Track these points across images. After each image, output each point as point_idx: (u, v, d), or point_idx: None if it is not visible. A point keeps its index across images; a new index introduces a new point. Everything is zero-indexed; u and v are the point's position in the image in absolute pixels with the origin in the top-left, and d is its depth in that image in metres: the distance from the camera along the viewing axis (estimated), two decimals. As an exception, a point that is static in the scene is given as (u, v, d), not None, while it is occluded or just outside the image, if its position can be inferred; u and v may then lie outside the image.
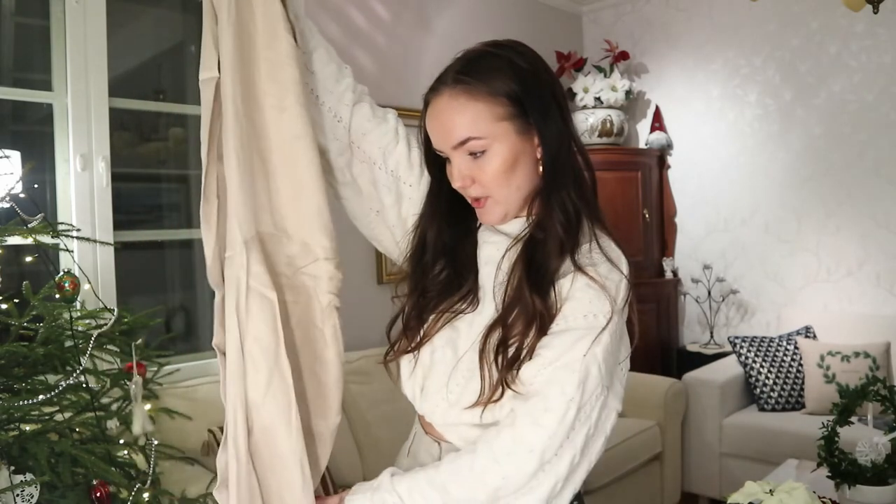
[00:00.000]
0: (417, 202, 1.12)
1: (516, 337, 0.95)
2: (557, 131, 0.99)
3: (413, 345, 1.07)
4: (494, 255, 1.05)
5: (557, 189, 1.00)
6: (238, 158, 0.95)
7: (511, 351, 0.95)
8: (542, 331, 0.95)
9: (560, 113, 1.01)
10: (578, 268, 0.96)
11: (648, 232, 4.07)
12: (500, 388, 0.94)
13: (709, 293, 3.97)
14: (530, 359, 0.94)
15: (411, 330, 1.07)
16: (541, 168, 1.00)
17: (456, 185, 1.01)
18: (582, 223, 1.00)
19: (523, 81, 0.98)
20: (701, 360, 3.78)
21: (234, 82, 0.96)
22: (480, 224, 1.10)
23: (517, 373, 0.94)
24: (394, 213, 1.13)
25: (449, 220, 1.08)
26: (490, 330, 0.97)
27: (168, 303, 2.87)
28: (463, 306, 1.04)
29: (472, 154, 0.98)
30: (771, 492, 1.61)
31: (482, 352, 0.97)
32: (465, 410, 0.99)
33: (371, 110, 1.12)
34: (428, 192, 1.11)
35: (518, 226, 1.05)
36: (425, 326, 1.06)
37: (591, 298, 0.95)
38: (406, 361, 1.08)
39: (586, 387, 0.92)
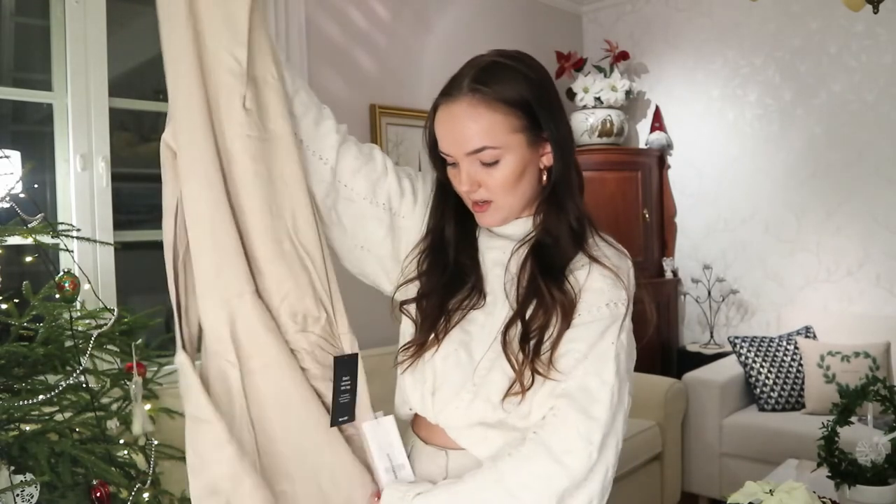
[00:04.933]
0: (412, 230, 1.13)
1: (537, 330, 0.99)
2: (566, 141, 1.05)
3: (430, 342, 1.06)
4: (501, 258, 1.08)
5: (567, 197, 1.05)
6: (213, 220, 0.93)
7: (533, 343, 0.98)
8: (566, 318, 0.98)
9: (565, 121, 1.06)
10: (593, 259, 1.02)
11: (648, 232, 4.07)
12: (531, 375, 0.97)
13: (709, 293, 3.97)
14: (555, 348, 0.98)
15: (428, 329, 1.07)
16: (545, 177, 1.05)
17: (462, 189, 1.03)
18: (585, 223, 1.05)
19: (536, 93, 1.01)
20: (701, 360, 3.78)
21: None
22: (478, 227, 1.12)
23: (547, 359, 0.98)
24: (386, 245, 1.13)
25: (458, 216, 1.10)
26: (509, 324, 1.00)
27: (168, 303, 2.85)
28: (472, 301, 1.06)
29: (484, 163, 1.00)
30: (771, 492, 1.61)
31: (505, 344, 0.99)
32: (485, 403, 1.00)
33: (357, 148, 1.12)
34: (435, 192, 1.13)
35: (519, 227, 1.08)
36: (438, 325, 1.07)
37: (609, 287, 1.00)
38: (410, 369, 1.08)
39: (619, 373, 0.97)
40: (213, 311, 0.94)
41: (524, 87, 1.00)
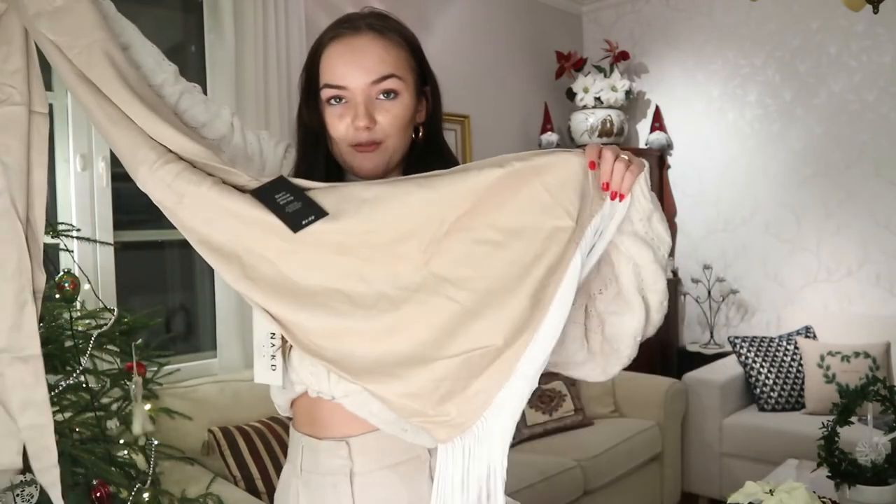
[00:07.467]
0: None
1: None
2: (440, 102, 1.10)
3: None
4: None
5: (443, 150, 1.09)
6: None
7: None
8: None
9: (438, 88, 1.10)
10: None
11: (648, 232, 4.06)
12: None
13: (709, 293, 3.97)
14: None
15: None
16: (420, 133, 1.07)
17: (360, 123, 0.98)
18: None
19: (419, 49, 1.06)
20: (701, 360, 3.78)
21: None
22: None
23: None
24: None
25: (327, 171, 1.06)
26: None
27: (168, 303, 2.86)
28: None
29: (385, 94, 1.00)
30: (771, 492, 1.61)
31: None
32: None
33: (203, 106, 1.05)
34: (304, 148, 1.08)
35: None
36: None
37: None
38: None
39: None
40: (150, 182, 1.00)
41: (411, 38, 1.05)
